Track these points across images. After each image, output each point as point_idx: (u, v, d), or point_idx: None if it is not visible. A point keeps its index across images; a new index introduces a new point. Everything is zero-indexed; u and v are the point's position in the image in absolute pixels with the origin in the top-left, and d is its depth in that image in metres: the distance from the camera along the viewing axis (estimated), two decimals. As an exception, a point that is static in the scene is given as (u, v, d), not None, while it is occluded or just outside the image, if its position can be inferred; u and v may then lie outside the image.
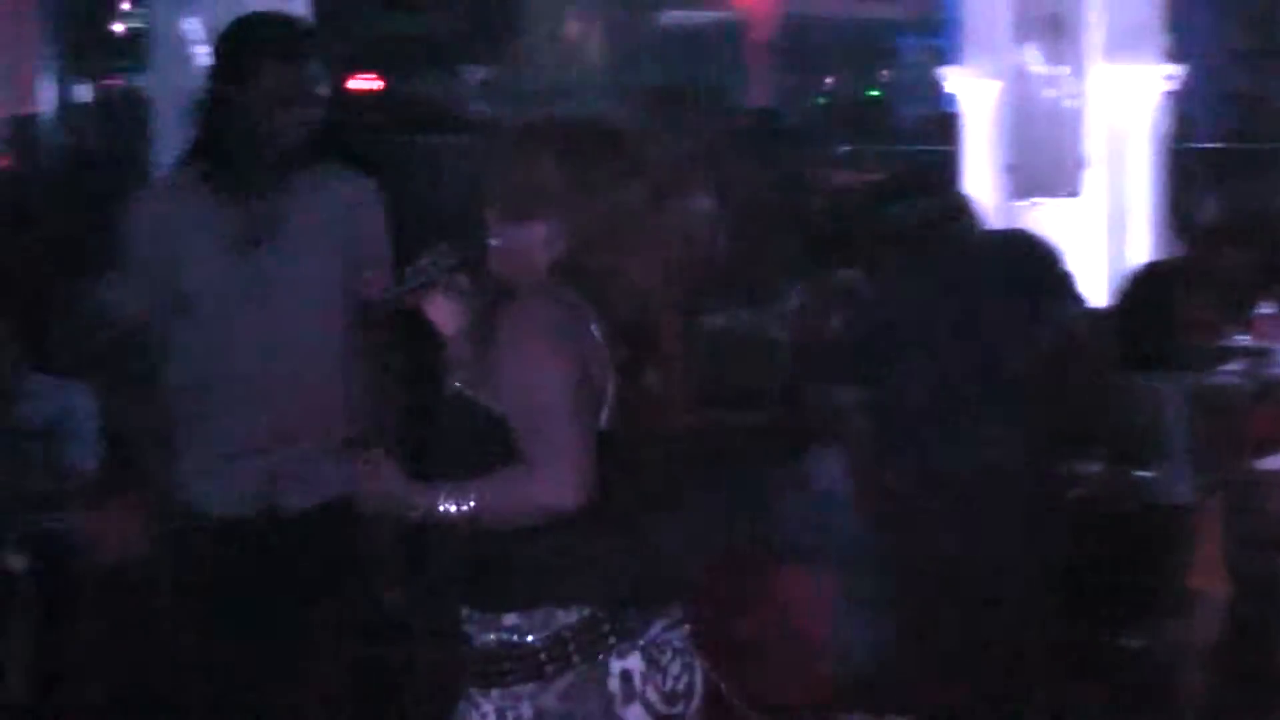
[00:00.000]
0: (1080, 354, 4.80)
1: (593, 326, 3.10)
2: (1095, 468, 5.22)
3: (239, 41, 4.13)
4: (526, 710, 3.06)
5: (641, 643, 3.07)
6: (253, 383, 4.09)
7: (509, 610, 3.07)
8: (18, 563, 5.18)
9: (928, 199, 4.98)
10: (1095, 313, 5.30)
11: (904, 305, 4.78)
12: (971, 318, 4.72)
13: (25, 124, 13.94)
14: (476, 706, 3.09)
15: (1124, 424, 5.05)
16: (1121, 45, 7.69)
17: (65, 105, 15.83)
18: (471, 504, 3.04)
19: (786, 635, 5.30)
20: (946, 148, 8.63)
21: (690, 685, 3.12)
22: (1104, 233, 7.60)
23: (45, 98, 15.43)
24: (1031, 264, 4.85)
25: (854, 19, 20.30)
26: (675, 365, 3.22)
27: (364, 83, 9.23)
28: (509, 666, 3.06)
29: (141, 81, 9.52)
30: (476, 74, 6.65)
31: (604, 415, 3.11)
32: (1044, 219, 7.19)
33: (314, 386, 4.12)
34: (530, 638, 3.06)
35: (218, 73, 4.12)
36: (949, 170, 7.81)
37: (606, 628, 3.05)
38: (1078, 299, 4.88)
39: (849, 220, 5.12)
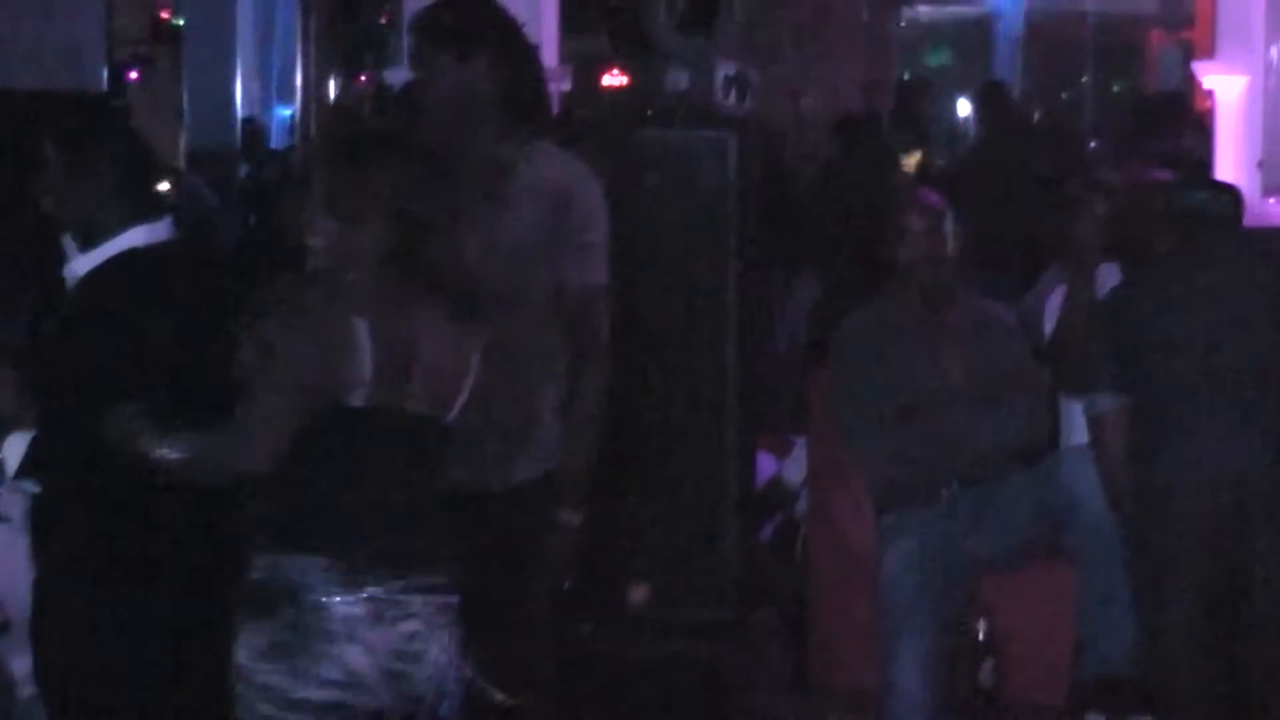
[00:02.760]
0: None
1: (424, 310, 3.57)
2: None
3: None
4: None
5: (365, 595, 3.48)
6: None
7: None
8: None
9: (1216, 193, 4.85)
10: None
11: (1169, 302, 4.64)
12: (1240, 317, 4.58)
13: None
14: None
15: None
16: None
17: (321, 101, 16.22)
18: (182, 454, 3.58)
19: (1044, 633, 5.30)
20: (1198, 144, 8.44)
21: (423, 653, 3.52)
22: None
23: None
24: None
25: (1103, 13, 19.95)
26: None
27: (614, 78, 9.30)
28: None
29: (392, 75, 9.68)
30: (726, 69, 6.63)
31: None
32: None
33: None
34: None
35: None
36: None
37: (333, 575, 3.48)
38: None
39: (1130, 214, 4.94)
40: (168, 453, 3.59)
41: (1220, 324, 4.58)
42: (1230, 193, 4.94)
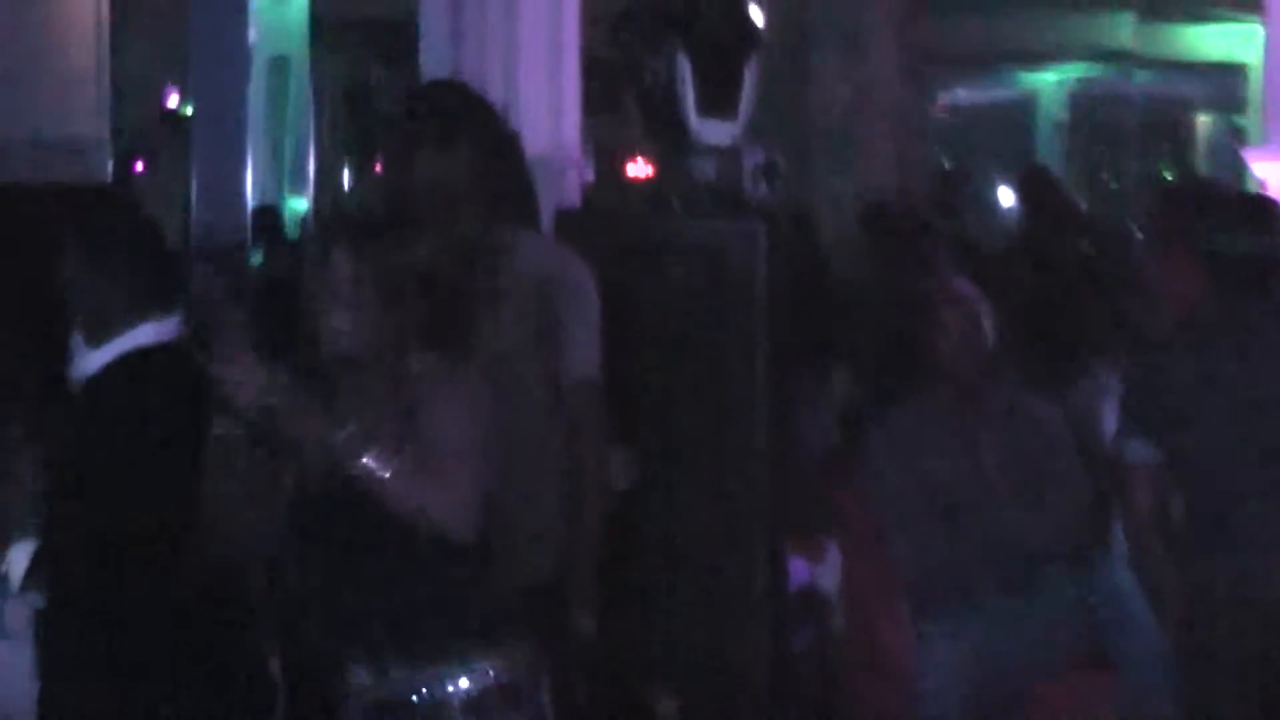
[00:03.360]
0: None
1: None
2: None
3: None
4: None
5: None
6: None
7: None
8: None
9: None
10: None
11: (1213, 372, 4.54)
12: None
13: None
14: None
15: None
16: None
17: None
18: (387, 474, 3.51)
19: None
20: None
21: None
22: None
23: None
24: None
25: (1149, 94, 20.03)
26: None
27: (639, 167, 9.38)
28: None
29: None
30: (755, 157, 6.68)
31: None
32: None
33: None
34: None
35: None
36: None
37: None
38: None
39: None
40: (374, 467, 3.57)
41: (1267, 399, 4.50)
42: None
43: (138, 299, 4.07)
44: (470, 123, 4.31)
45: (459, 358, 3.68)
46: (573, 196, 7.64)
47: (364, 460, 3.54)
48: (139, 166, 14.53)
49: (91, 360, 4.05)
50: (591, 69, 8.21)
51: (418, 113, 4.36)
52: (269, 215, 14.79)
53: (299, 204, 16.22)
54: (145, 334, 4.05)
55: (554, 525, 4.30)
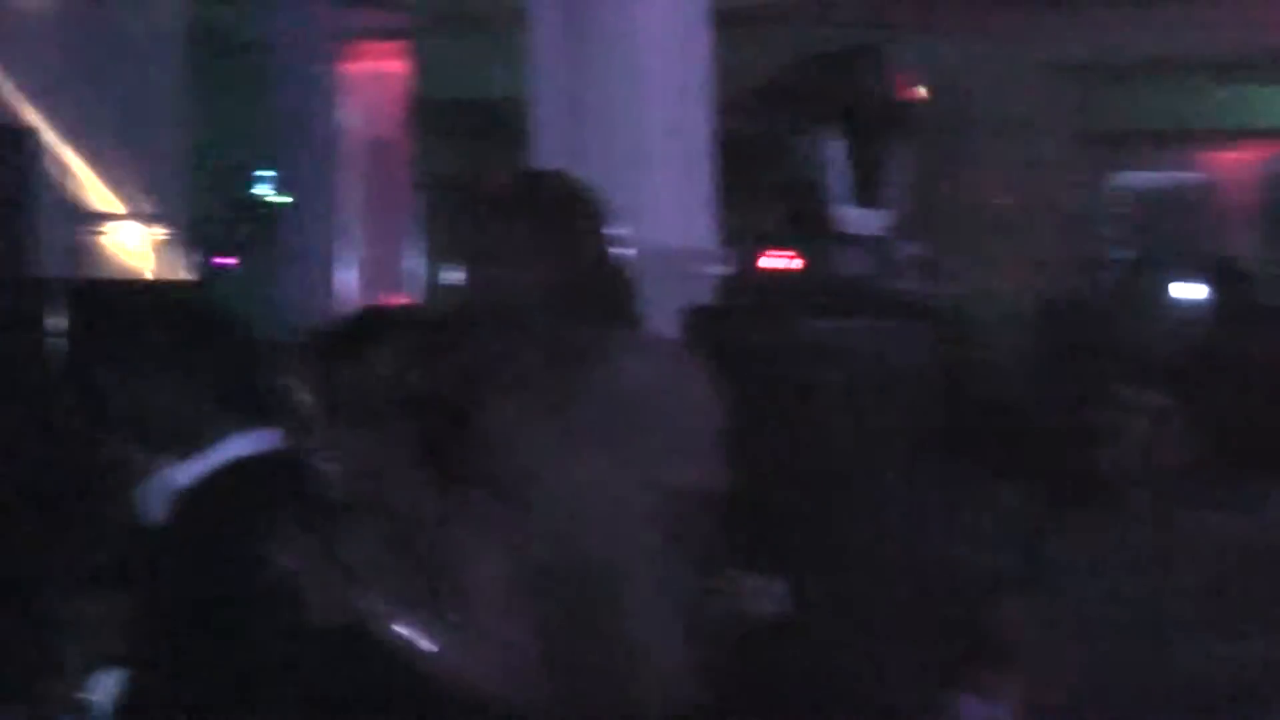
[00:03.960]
0: None
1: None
2: None
3: None
4: None
5: None
6: None
7: None
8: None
9: None
10: None
11: None
12: None
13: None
14: None
15: None
16: None
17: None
18: (433, 647, 3.45)
19: None
20: None
21: None
22: None
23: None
24: None
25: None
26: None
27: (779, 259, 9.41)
28: None
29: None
30: (909, 248, 6.71)
31: None
32: None
33: None
34: None
35: None
36: None
37: None
38: None
39: None
40: (412, 637, 3.52)
41: None
42: None
43: (230, 409, 4.12)
44: (553, 210, 4.35)
45: (477, 488, 3.62)
46: (704, 292, 7.67)
47: (398, 629, 3.48)
48: (226, 259, 14.68)
49: (180, 473, 4.09)
50: (726, 151, 8.25)
51: (497, 199, 4.42)
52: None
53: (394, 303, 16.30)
54: (240, 446, 4.09)
55: (673, 651, 4.28)
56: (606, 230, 4.45)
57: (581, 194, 4.44)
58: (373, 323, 3.84)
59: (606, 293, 4.41)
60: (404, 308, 4.54)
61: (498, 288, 4.31)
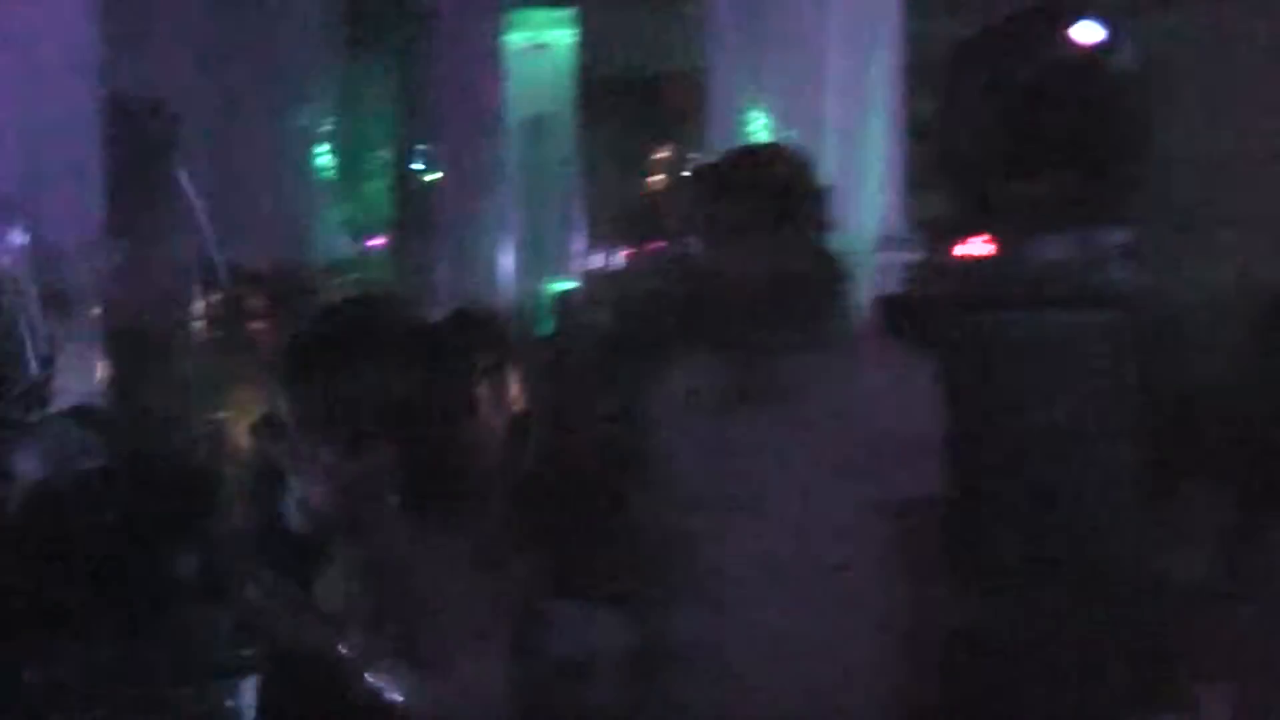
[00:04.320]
0: None
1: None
2: None
3: None
4: None
5: None
6: None
7: None
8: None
9: None
10: None
11: None
12: None
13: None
14: None
15: None
16: None
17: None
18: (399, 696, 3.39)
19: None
20: None
21: None
22: None
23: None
24: None
25: None
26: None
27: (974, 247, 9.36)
28: None
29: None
30: (1113, 236, 6.64)
31: None
32: None
33: None
34: None
35: None
36: None
37: None
38: None
39: None
40: (383, 686, 3.46)
41: None
42: None
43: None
44: (799, 195, 4.28)
45: (462, 511, 3.50)
46: (894, 283, 7.64)
47: (370, 676, 3.41)
48: (374, 241, 14.73)
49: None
50: (916, 133, 8.22)
51: (742, 179, 4.26)
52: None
53: (558, 285, 16.34)
54: None
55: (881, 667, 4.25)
56: (825, 212, 4.36)
57: (804, 171, 4.35)
58: (354, 325, 3.62)
59: (823, 279, 4.32)
60: (388, 303, 4.23)
61: (721, 270, 4.21)
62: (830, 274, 4.35)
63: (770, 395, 4.22)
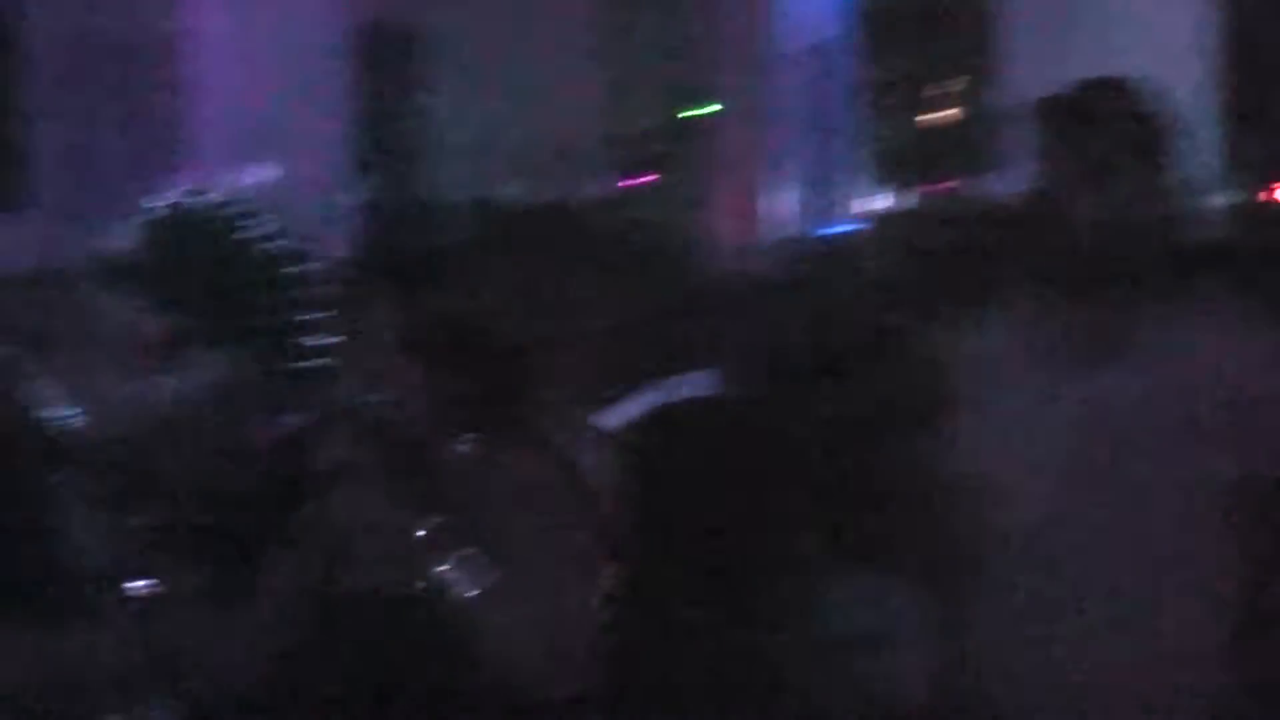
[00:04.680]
0: None
1: None
2: None
3: None
4: None
5: None
6: None
7: None
8: None
9: None
10: None
11: None
12: None
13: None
14: None
15: None
16: None
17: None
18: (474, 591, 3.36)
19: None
20: None
21: None
22: None
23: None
24: None
25: None
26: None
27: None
28: None
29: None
30: None
31: None
32: None
33: None
34: None
35: None
36: None
37: None
38: None
39: None
40: (457, 578, 3.45)
41: None
42: None
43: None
44: (1160, 136, 3.94)
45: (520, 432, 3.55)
46: (1212, 229, 7.18)
47: (444, 568, 3.37)
48: (646, 177, 14.78)
49: (605, 419, 3.96)
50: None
51: (1100, 116, 3.96)
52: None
53: (837, 227, 16.19)
54: (668, 390, 3.94)
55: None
56: (1174, 150, 3.99)
57: (1159, 105, 4.01)
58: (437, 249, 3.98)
59: (1173, 223, 4.01)
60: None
61: (1074, 212, 3.90)
62: (1180, 218, 4.07)
63: (1111, 352, 3.94)
